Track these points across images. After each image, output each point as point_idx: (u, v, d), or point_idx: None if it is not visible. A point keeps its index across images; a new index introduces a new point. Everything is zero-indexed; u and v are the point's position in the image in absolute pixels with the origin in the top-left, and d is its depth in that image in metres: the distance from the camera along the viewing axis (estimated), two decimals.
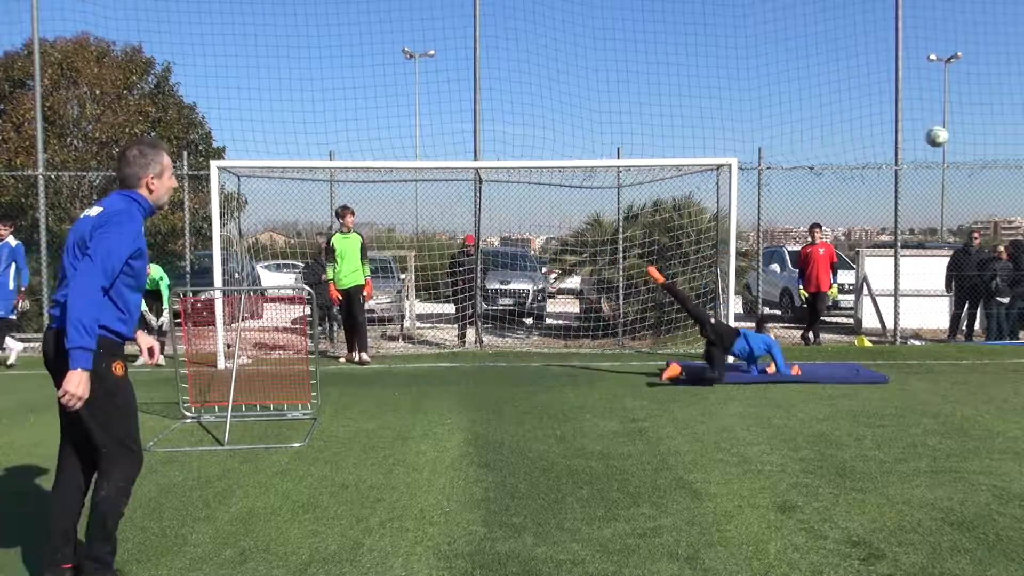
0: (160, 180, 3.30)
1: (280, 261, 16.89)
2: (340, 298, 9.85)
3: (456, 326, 12.21)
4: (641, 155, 12.28)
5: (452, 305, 12.43)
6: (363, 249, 9.92)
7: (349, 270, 9.78)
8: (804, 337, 11.78)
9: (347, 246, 9.80)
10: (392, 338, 12.95)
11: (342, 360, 10.03)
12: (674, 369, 8.17)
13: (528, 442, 5.79)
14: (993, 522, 4.06)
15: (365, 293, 9.97)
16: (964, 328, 12.63)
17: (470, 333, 11.93)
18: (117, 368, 3.17)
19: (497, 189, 12.23)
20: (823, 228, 12.22)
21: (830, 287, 11.73)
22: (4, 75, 13.90)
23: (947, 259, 12.93)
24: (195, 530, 4.02)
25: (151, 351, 3.70)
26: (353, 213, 9.97)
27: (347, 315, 9.98)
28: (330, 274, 9.85)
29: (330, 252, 9.82)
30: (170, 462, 5.31)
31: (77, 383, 2.93)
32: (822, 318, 11.94)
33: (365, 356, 9.96)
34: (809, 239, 11.94)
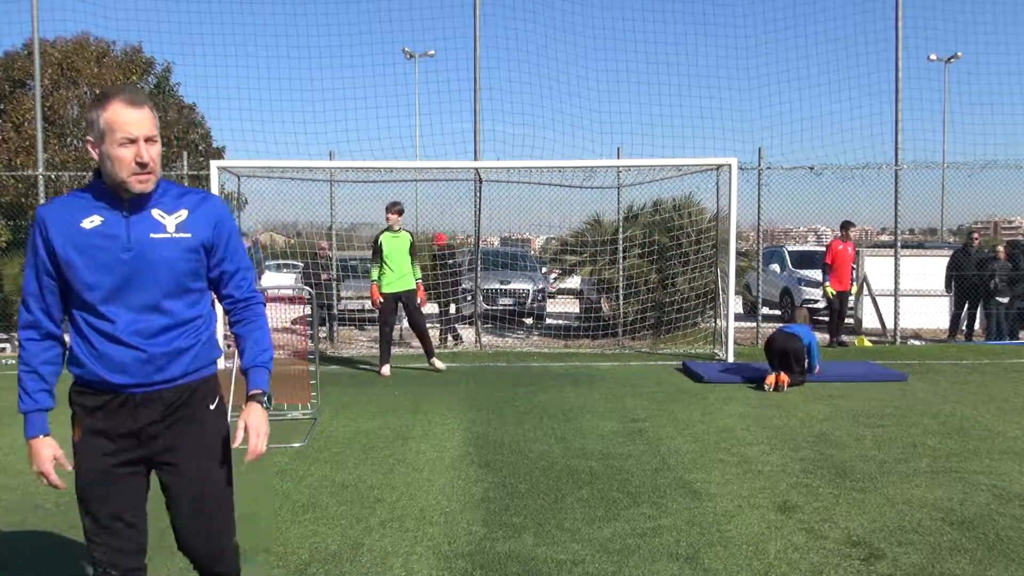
0: (100, 147, 2.17)
1: (280, 261, 16.90)
2: (381, 301, 9.02)
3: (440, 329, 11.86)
4: (641, 155, 12.26)
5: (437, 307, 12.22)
6: (412, 248, 9.12)
7: (400, 272, 8.99)
8: (838, 341, 11.63)
9: (396, 246, 9.01)
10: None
11: (384, 372, 9.06)
12: (781, 378, 7.62)
13: (528, 442, 5.79)
14: (993, 522, 4.06)
15: (420, 297, 9.17)
16: (964, 328, 12.63)
17: (467, 334, 11.87)
18: (75, 432, 2.29)
19: (497, 189, 12.24)
20: (855, 227, 12.15)
21: (850, 287, 11.72)
22: (4, 75, 13.90)
23: (947, 259, 12.92)
24: None
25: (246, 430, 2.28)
26: (402, 211, 9.23)
27: (410, 322, 9.27)
28: (374, 275, 9.07)
29: (377, 252, 9.05)
30: None
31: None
32: (826, 318, 11.89)
33: (438, 363, 9.28)
34: (840, 235, 11.71)
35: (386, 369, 9.10)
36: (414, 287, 9.08)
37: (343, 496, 4.56)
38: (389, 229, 9.04)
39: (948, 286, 12.65)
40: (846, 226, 11.67)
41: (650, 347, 11.36)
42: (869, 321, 13.18)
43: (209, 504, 2.36)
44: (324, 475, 4.99)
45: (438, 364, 9.29)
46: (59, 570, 3.58)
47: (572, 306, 14.94)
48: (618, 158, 11.54)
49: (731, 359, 9.81)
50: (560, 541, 3.84)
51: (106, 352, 2.19)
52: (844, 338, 11.70)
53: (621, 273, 11.88)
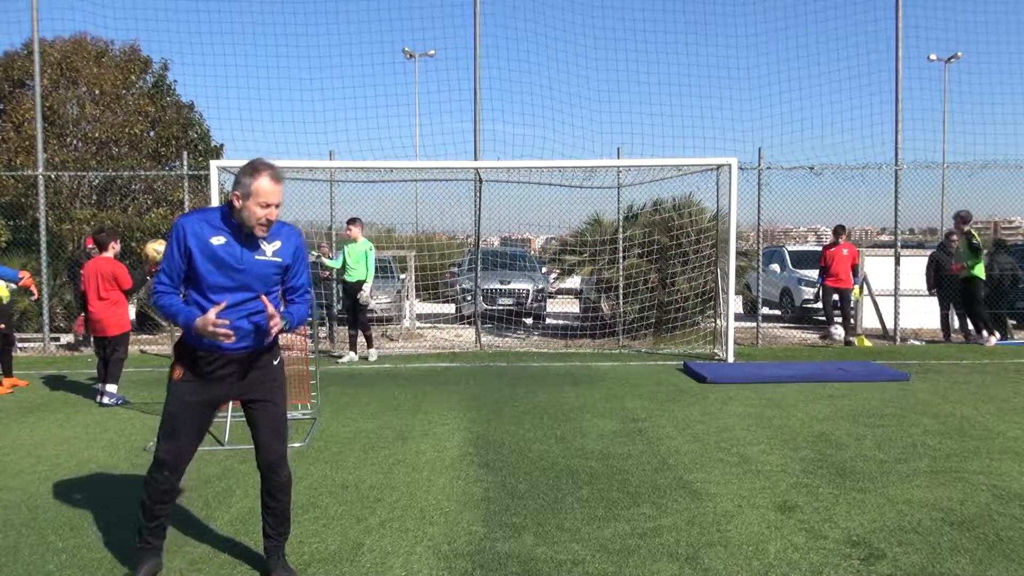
0: (244, 201, 3.27)
1: None
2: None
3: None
4: (641, 155, 12.25)
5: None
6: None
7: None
8: (845, 341, 11.61)
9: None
10: (392, 338, 12.95)
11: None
12: None
13: (528, 442, 5.79)
14: (993, 522, 4.06)
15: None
16: (959, 328, 12.54)
17: (468, 334, 11.86)
18: (175, 371, 3.30)
19: (497, 189, 12.25)
20: (847, 230, 12.18)
21: (852, 286, 11.68)
22: (4, 75, 13.87)
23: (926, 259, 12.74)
24: (195, 530, 4.02)
25: None
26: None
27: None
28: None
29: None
30: None
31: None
32: (836, 319, 11.85)
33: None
34: (833, 239, 11.82)
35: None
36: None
37: (343, 496, 4.56)
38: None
39: (930, 287, 12.47)
40: (837, 231, 11.77)
41: (650, 347, 11.36)
42: (869, 321, 13.16)
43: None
44: (324, 475, 4.99)
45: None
46: (60, 569, 3.57)
47: (572, 306, 14.94)
48: (618, 158, 11.54)
49: (731, 359, 9.82)
50: (560, 541, 3.84)
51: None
52: (852, 338, 11.66)
53: (621, 273, 11.88)
